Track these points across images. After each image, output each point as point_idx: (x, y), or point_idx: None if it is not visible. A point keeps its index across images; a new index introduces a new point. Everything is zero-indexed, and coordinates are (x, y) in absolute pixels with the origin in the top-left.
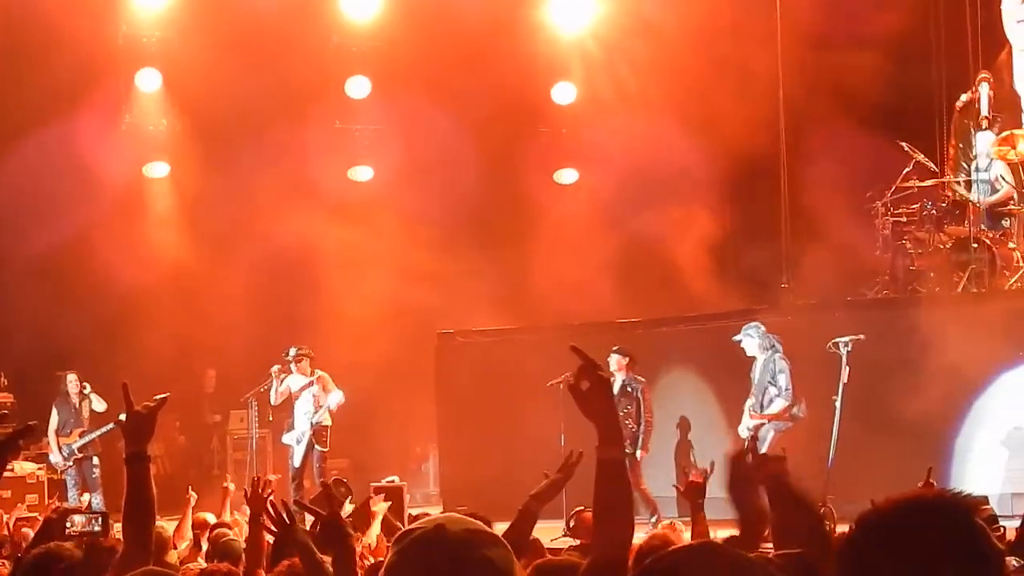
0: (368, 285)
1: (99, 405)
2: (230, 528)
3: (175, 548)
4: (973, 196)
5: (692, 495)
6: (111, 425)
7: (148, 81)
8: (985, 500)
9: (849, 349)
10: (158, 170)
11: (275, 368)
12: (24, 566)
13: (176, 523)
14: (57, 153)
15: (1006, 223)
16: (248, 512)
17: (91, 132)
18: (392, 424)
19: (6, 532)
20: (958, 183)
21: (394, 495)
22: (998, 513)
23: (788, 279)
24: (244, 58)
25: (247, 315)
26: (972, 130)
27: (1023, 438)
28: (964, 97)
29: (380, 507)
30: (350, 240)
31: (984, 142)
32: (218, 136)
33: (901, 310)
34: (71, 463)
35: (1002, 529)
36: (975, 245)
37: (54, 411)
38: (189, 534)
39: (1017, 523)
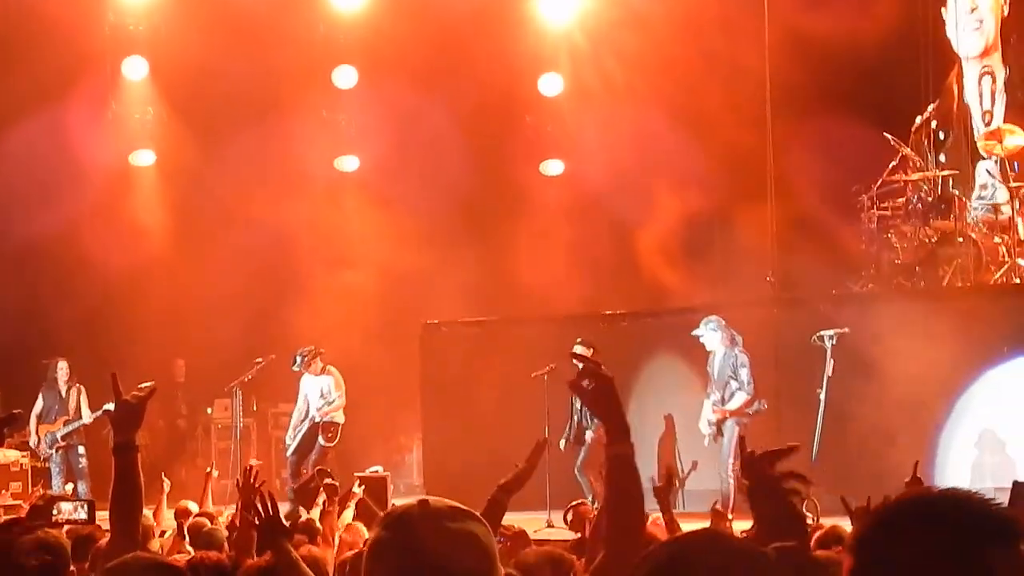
0: (353, 275)
1: (86, 412)
2: (212, 518)
3: (155, 537)
4: (970, 218)
5: (662, 492)
6: (98, 412)
7: (135, 69)
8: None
9: (834, 343)
10: (144, 158)
11: (259, 359)
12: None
13: (154, 510)
14: (43, 141)
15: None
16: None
17: (77, 120)
18: (376, 414)
19: None
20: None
21: (377, 485)
22: None
23: (773, 272)
24: (231, 47)
25: (232, 303)
26: (927, 147)
27: (1006, 433)
28: (919, 119)
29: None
30: (335, 230)
31: (983, 169)
32: (204, 125)
33: (886, 304)
34: (53, 450)
35: None
36: (960, 239)
37: (39, 397)
38: (166, 522)
39: None
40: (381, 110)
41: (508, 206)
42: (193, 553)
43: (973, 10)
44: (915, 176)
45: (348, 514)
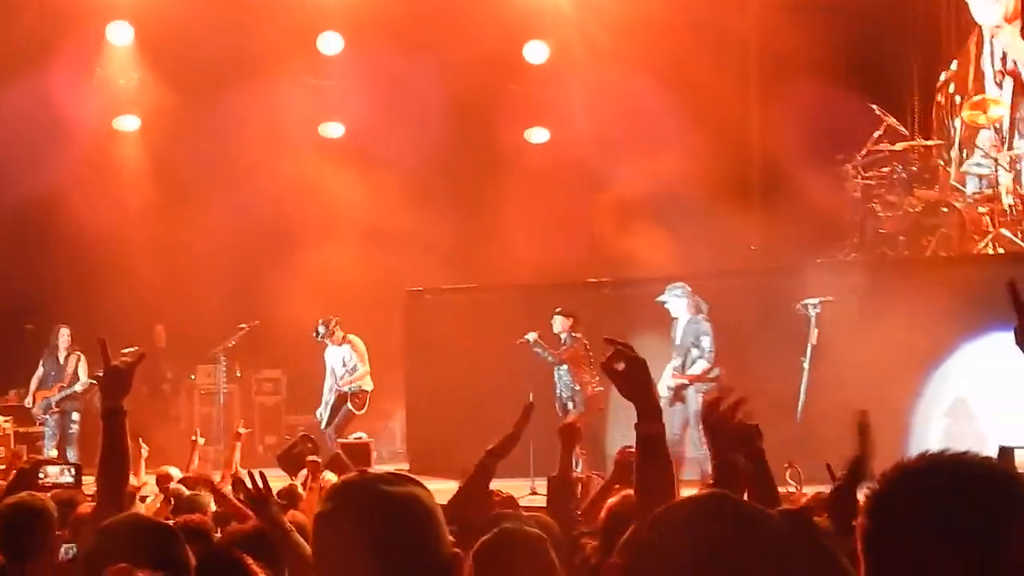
0: (338, 241)
1: (83, 374)
2: (198, 482)
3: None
4: (968, 189)
5: (566, 436)
6: (91, 381)
7: (119, 34)
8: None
9: (818, 311)
10: (128, 124)
11: (242, 325)
12: None
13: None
14: (28, 106)
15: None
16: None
17: (61, 85)
18: None
19: None
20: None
21: (361, 452)
22: None
23: (757, 240)
24: (216, 13)
25: (216, 269)
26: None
27: (987, 401)
28: (944, 75)
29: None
30: (320, 196)
31: (985, 139)
32: (189, 91)
33: (870, 273)
34: (47, 416)
35: None
36: (945, 209)
37: (41, 363)
38: (149, 487)
39: None
40: (366, 77)
41: (493, 173)
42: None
43: None
44: (899, 146)
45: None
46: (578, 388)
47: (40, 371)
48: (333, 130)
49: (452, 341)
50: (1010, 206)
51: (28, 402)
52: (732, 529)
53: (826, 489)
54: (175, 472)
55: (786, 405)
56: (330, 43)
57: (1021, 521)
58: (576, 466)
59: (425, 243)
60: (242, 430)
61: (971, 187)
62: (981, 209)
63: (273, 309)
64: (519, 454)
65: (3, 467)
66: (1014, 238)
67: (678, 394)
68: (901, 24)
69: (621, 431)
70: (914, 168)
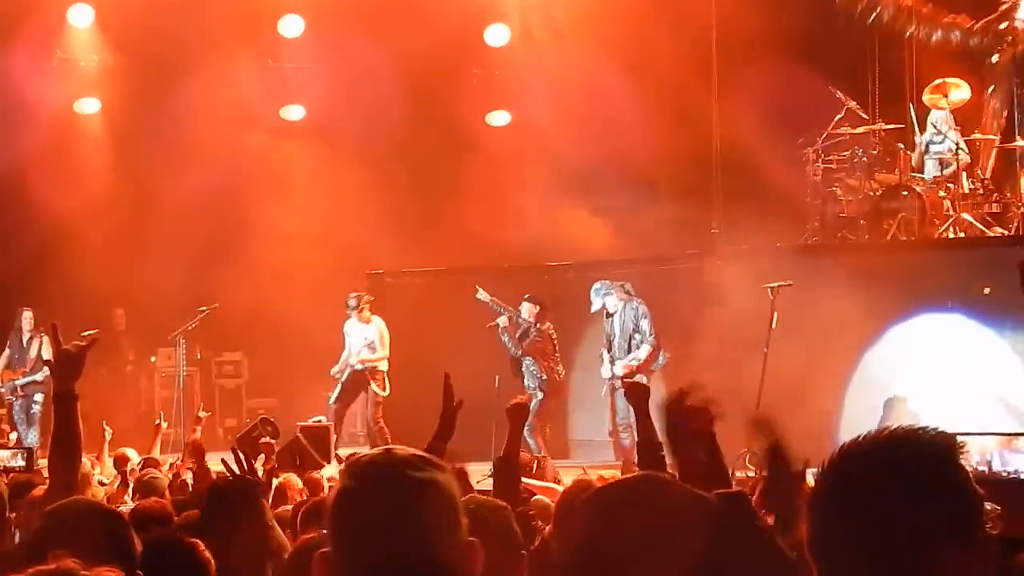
0: (298, 224)
1: (47, 352)
2: (155, 465)
3: (101, 485)
4: (927, 174)
5: (513, 416)
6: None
7: (80, 16)
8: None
9: (778, 295)
10: (89, 106)
11: (203, 308)
12: None
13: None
14: None
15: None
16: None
17: (22, 67)
18: (320, 364)
19: None
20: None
21: (321, 435)
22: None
23: (718, 224)
24: None
25: (176, 252)
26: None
27: (957, 381)
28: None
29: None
30: (280, 179)
31: (939, 118)
32: (150, 73)
33: (830, 257)
34: (14, 398)
35: None
36: (905, 193)
37: (7, 344)
38: (108, 470)
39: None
40: (327, 59)
41: (454, 156)
42: (133, 500)
43: None
44: (860, 129)
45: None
46: (544, 377)
47: (7, 352)
48: (294, 112)
49: (413, 324)
50: (971, 190)
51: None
52: (664, 512)
53: None
54: (132, 454)
55: (744, 389)
56: (291, 25)
57: (961, 473)
58: (540, 451)
59: (386, 226)
60: (202, 414)
61: (930, 171)
62: (941, 193)
63: (233, 292)
64: (480, 438)
65: None
66: (974, 222)
67: (623, 382)
68: (865, 5)
69: (585, 415)
70: (875, 152)
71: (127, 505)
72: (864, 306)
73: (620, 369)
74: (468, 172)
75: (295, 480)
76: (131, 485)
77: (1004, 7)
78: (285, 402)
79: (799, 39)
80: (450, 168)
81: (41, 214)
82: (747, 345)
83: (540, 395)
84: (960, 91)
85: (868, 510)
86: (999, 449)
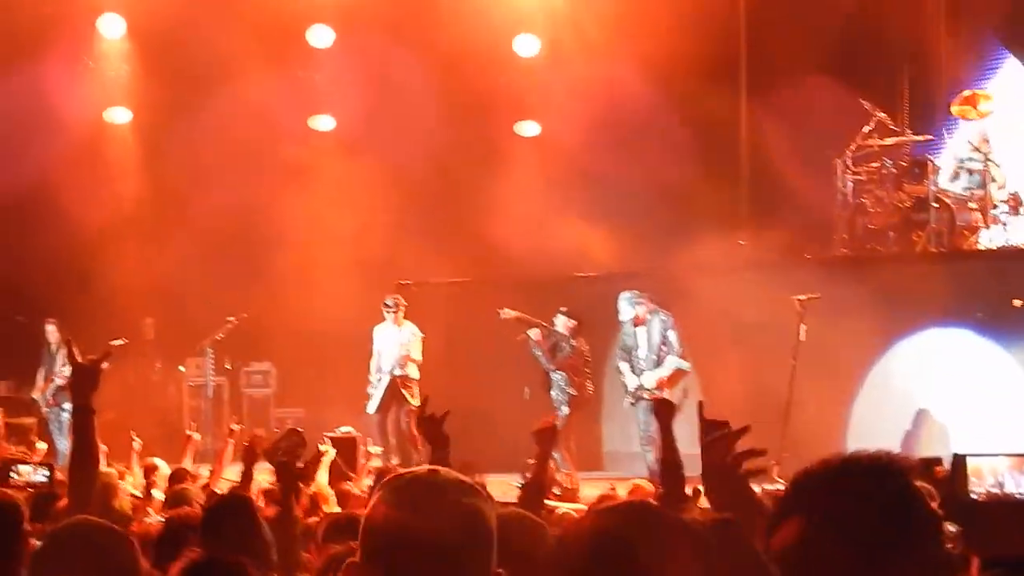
0: (328, 235)
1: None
2: (194, 478)
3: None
4: (957, 187)
5: (542, 438)
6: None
7: (111, 27)
8: (939, 461)
9: (806, 307)
10: (119, 116)
11: (231, 318)
12: None
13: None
14: (18, 97)
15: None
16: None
17: (53, 77)
18: (349, 374)
19: None
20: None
21: (348, 446)
22: None
23: (746, 236)
24: (207, 5)
25: (205, 261)
26: None
27: (981, 397)
28: None
29: (327, 454)
30: (309, 189)
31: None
32: (180, 83)
33: (859, 268)
34: (48, 409)
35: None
36: (935, 205)
37: (42, 362)
38: (138, 479)
39: None
40: (357, 70)
41: (483, 167)
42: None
43: None
44: (889, 141)
45: (323, 476)
46: (573, 392)
47: (43, 368)
48: (324, 123)
49: (442, 334)
50: (1002, 201)
51: (36, 395)
52: (653, 540)
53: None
54: (161, 464)
55: (775, 401)
56: (321, 36)
57: (923, 526)
58: (565, 463)
59: (415, 236)
60: (235, 427)
61: (961, 183)
62: (972, 205)
63: (262, 302)
64: (510, 450)
65: None
66: (1004, 234)
67: (652, 396)
68: (891, 17)
69: (616, 427)
70: (904, 163)
71: (152, 517)
72: (889, 317)
73: (649, 382)
74: (497, 182)
75: (326, 490)
76: (159, 495)
77: None
78: (313, 412)
79: (828, 50)
80: (478, 178)
81: (71, 223)
82: (774, 357)
83: (566, 410)
84: (989, 103)
85: (827, 529)
86: (1010, 470)
